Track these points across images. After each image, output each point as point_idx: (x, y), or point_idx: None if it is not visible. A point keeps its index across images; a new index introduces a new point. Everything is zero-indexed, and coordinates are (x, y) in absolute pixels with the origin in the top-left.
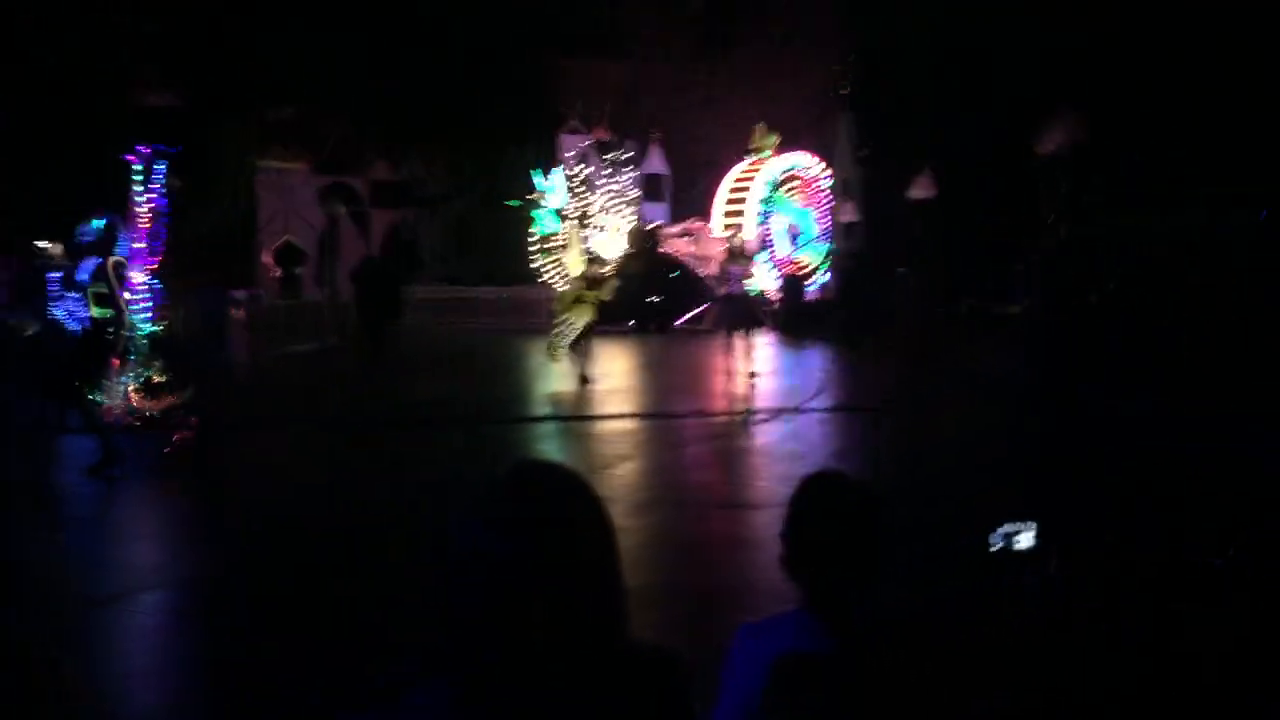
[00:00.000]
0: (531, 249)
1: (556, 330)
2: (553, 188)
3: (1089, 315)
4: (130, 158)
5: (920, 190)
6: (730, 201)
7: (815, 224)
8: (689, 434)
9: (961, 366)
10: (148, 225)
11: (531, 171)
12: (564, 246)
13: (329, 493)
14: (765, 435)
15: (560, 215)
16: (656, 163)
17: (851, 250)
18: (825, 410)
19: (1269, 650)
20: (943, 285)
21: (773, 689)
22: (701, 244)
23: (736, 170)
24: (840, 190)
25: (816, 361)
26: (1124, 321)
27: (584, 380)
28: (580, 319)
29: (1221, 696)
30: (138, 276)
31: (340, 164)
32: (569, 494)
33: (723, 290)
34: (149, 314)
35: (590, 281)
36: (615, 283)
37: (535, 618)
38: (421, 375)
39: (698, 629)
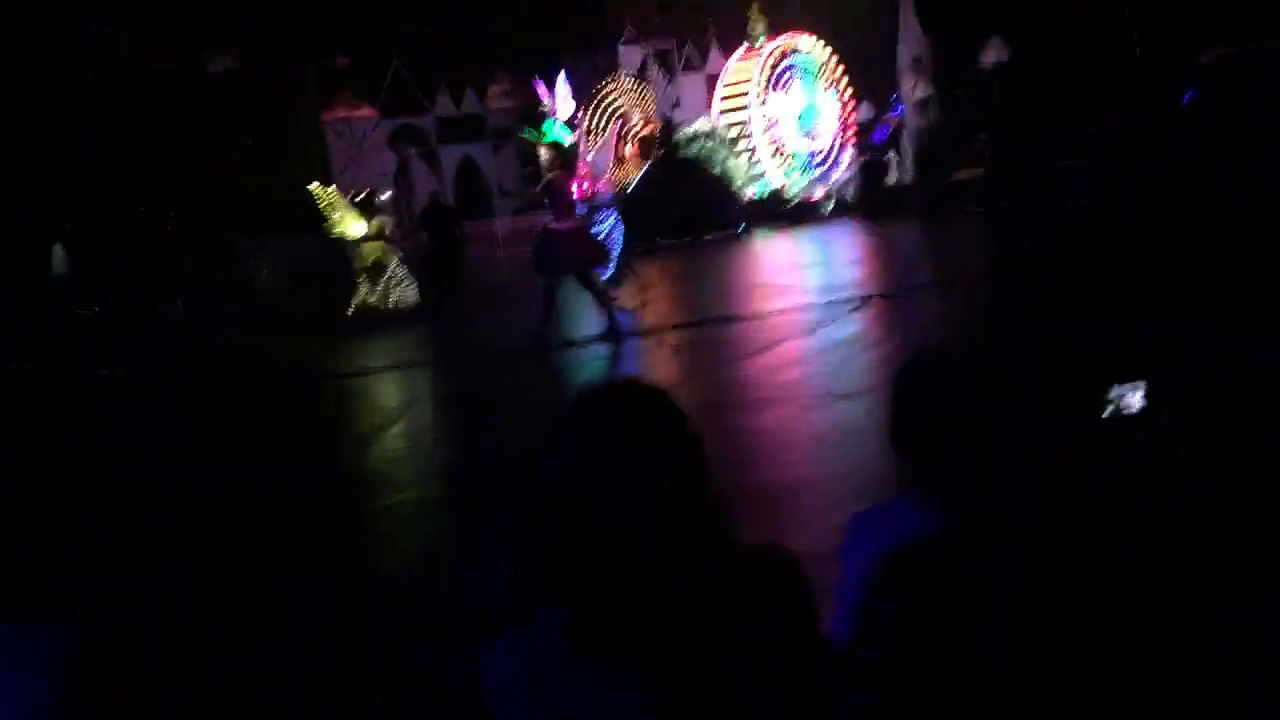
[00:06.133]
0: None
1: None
2: (557, 96)
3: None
4: None
5: (992, 55)
6: (725, 98)
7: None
8: (778, 332)
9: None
10: None
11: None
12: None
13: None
14: (858, 323)
15: (570, 125)
16: (717, 63)
17: (928, 125)
18: (917, 290)
19: None
20: (1019, 150)
21: (881, 579)
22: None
23: (731, 62)
24: (911, 66)
25: (902, 243)
26: None
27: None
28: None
29: None
30: None
31: (404, 106)
32: (645, 406)
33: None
34: None
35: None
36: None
37: (623, 534)
38: (505, 308)
39: (820, 523)
